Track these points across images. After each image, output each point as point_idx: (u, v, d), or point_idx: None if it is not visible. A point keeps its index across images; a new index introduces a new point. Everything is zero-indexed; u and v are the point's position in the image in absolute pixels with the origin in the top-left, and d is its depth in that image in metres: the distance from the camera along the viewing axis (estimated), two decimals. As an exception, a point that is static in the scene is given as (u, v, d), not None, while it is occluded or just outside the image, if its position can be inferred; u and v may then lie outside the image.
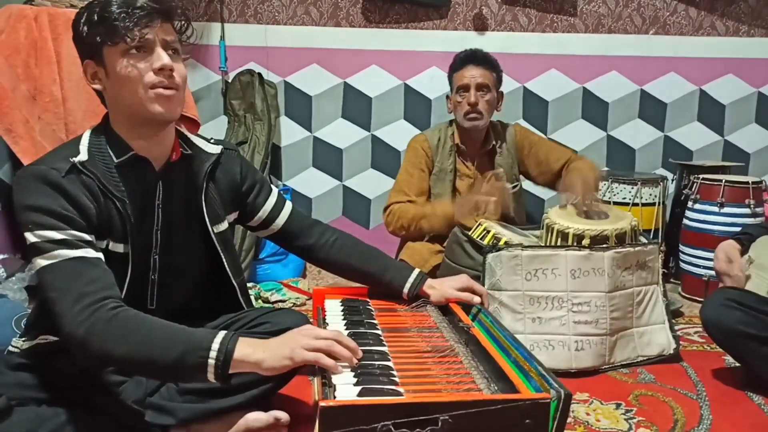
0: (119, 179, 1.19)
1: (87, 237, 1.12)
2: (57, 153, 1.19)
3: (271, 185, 1.49)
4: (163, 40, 1.16)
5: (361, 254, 1.46)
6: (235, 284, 1.36)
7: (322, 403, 0.88)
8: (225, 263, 1.33)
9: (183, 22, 1.22)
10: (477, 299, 1.37)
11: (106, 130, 1.22)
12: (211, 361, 1.03)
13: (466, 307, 1.39)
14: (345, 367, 1.05)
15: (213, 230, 1.31)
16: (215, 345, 1.04)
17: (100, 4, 1.15)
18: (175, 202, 1.28)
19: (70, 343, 1.06)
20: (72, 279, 1.07)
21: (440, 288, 1.41)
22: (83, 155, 1.17)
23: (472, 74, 2.21)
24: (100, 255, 1.14)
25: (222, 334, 1.06)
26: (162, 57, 1.15)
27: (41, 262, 1.09)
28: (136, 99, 1.15)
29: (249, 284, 2.48)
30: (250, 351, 1.05)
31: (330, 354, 1.04)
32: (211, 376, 1.04)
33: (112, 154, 1.20)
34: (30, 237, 1.10)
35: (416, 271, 1.43)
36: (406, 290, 1.41)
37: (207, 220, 1.30)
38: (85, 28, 1.16)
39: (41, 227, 1.09)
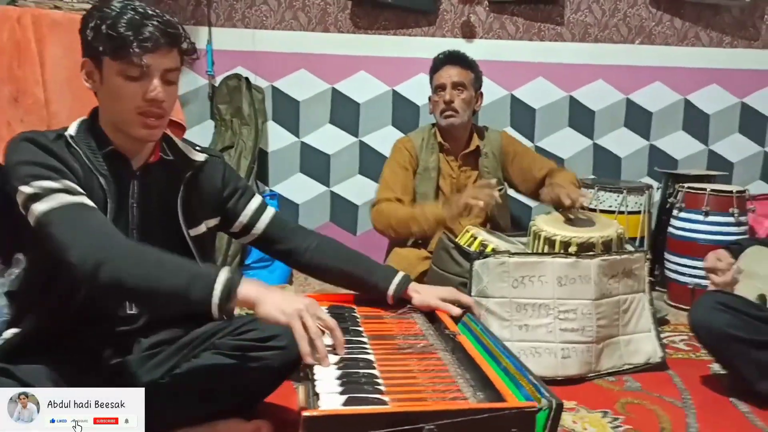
0: (101, 161, 1.22)
1: (81, 190, 1.15)
2: (46, 131, 1.23)
3: (255, 191, 1.48)
4: (162, 71, 1.18)
5: (345, 257, 1.45)
6: None
7: (305, 413, 0.87)
8: None
9: (188, 47, 1.24)
10: (457, 310, 1.35)
11: (92, 123, 1.26)
12: (218, 286, 1.07)
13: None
14: (317, 360, 1.07)
15: (189, 233, 1.31)
16: (221, 275, 1.09)
17: (111, 16, 1.15)
18: (151, 203, 1.28)
19: (80, 272, 1.07)
20: (77, 217, 1.11)
21: (424, 293, 1.39)
22: (71, 132, 1.21)
23: (449, 73, 2.25)
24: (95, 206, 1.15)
25: (227, 268, 1.11)
26: (156, 88, 1.18)
27: (40, 206, 1.10)
28: (121, 117, 1.20)
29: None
30: (253, 290, 1.10)
31: (312, 342, 1.07)
32: (215, 308, 1.07)
33: (94, 145, 1.23)
34: (26, 189, 1.11)
35: (401, 274, 1.42)
36: (390, 292, 1.39)
37: (182, 222, 1.30)
38: (91, 34, 1.17)
39: (36, 178, 1.11)
